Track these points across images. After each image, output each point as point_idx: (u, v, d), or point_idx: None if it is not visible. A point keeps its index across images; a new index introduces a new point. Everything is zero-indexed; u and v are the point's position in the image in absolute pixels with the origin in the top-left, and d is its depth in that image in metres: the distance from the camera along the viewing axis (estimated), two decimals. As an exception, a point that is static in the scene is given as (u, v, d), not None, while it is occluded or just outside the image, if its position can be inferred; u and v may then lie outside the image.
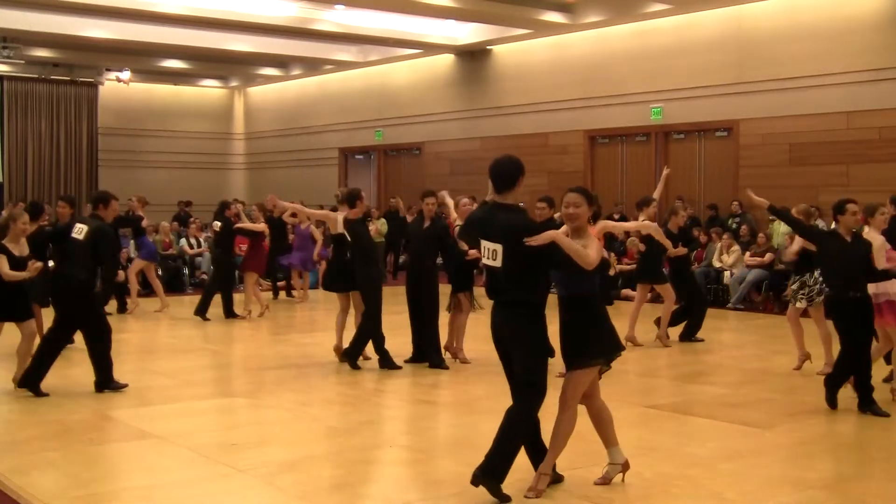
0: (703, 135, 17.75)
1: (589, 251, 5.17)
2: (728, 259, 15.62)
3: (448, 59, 22.07)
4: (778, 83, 16.18)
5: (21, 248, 8.33)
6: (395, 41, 20.67)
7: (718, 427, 7.20)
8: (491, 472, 5.14)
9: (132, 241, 15.37)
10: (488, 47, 20.99)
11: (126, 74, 25.32)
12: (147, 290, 15.06)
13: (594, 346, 5.41)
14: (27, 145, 25.29)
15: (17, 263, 8.16)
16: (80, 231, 8.22)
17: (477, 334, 12.78)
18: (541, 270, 5.26)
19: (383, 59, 22.80)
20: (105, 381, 8.22)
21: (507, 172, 5.26)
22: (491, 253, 5.20)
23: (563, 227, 5.44)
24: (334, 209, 10.19)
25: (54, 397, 8.22)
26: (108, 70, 25.61)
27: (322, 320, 13.68)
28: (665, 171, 11.47)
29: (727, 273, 15.50)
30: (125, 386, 8.25)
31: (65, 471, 6.00)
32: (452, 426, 7.42)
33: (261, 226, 13.96)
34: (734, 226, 16.27)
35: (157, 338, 12.15)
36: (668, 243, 10.35)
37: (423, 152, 22.81)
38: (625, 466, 5.59)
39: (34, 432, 7.00)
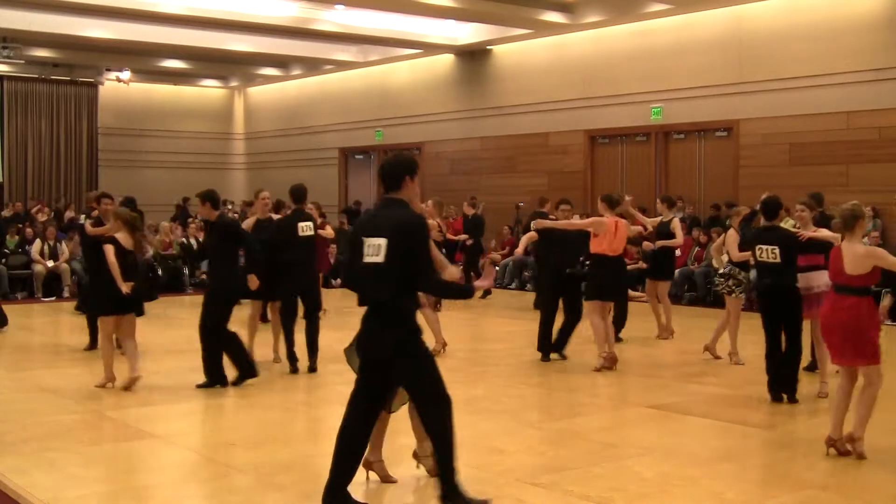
0: (703, 135, 17.75)
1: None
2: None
3: (448, 59, 22.07)
4: (778, 83, 16.18)
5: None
6: (395, 41, 20.67)
7: (718, 427, 7.20)
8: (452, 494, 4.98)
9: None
10: (488, 47, 20.98)
11: (126, 74, 25.31)
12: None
13: None
14: (27, 145, 25.26)
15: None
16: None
17: (472, 334, 12.78)
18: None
19: (383, 59, 22.80)
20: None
21: (393, 171, 5.03)
22: (374, 248, 4.86)
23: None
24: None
25: (54, 397, 8.23)
26: (108, 70, 25.59)
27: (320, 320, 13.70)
28: None
29: (727, 273, 15.49)
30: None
31: (65, 471, 6.00)
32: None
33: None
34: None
35: (156, 338, 12.13)
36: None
37: (423, 152, 22.80)
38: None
39: (34, 432, 7.00)
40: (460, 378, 9.12)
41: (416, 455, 5.84)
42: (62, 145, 25.78)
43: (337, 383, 9.04)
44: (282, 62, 24.52)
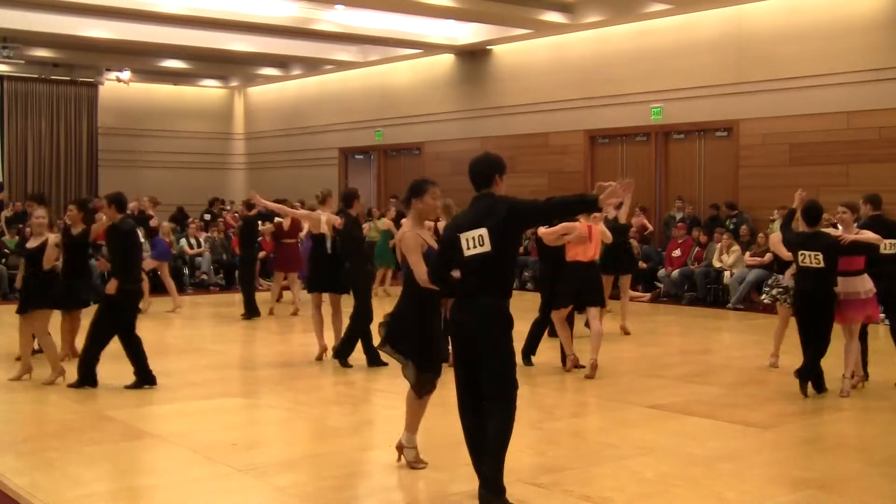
0: (703, 135, 17.74)
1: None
2: (728, 259, 15.63)
3: (448, 59, 22.06)
4: (778, 83, 16.17)
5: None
6: (395, 41, 20.66)
7: (718, 427, 7.20)
8: (498, 489, 5.07)
9: (145, 241, 15.43)
10: (488, 47, 20.98)
11: (126, 74, 25.30)
12: (160, 290, 15.23)
13: None
14: (27, 145, 25.27)
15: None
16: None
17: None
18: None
19: (383, 59, 22.79)
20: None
21: (480, 170, 5.18)
22: (476, 240, 5.03)
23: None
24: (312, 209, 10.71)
25: (54, 397, 8.23)
26: (108, 70, 25.59)
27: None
28: None
29: (727, 273, 15.51)
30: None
31: (65, 471, 6.00)
32: (452, 426, 7.39)
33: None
34: (731, 226, 16.28)
35: (156, 338, 12.14)
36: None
37: (423, 152, 22.81)
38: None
39: (34, 432, 7.00)
40: (460, 378, 9.11)
41: (400, 447, 6.01)
42: (62, 145, 25.78)
43: (336, 383, 9.05)
44: (282, 62, 24.51)
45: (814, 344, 8.07)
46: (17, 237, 17.48)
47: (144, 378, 8.53)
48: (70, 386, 8.43)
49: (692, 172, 17.97)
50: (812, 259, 7.95)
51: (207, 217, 22.15)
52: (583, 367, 9.29)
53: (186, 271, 18.44)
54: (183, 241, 18.69)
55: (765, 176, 16.23)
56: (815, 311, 8.04)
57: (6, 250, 17.15)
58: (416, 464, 5.92)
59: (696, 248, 16.25)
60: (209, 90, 28.60)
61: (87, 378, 8.47)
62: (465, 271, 5.13)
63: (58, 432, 6.99)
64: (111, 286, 8.37)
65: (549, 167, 19.78)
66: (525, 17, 18.00)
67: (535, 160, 20.07)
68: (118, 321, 8.49)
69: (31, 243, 8.82)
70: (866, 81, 15.12)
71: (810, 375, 8.12)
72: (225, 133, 28.89)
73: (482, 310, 5.06)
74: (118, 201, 8.68)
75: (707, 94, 17.25)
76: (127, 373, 8.62)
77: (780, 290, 9.57)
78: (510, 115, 20.66)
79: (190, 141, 27.91)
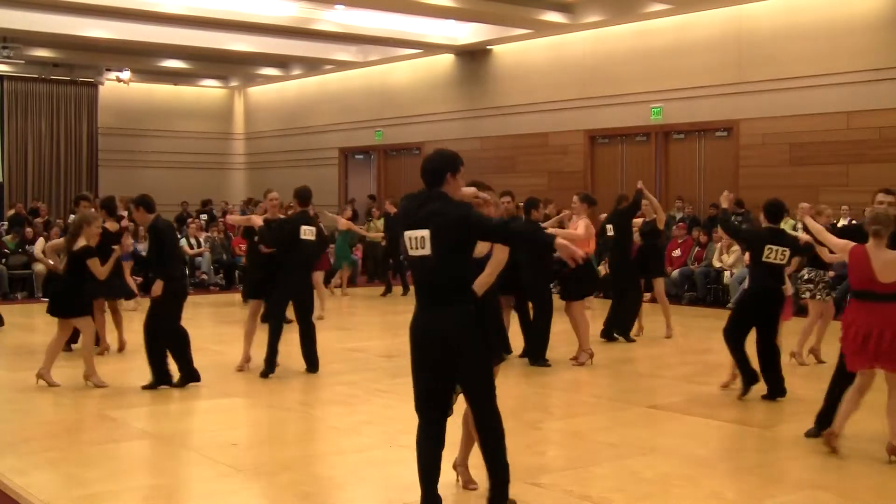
0: (703, 135, 17.74)
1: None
2: (728, 259, 15.63)
3: (448, 59, 22.07)
4: (778, 83, 16.18)
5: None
6: (395, 41, 20.67)
7: (718, 427, 7.20)
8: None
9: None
10: (488, 47, 20.98)
11: (126, 74, 25.31)
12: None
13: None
14: (27, 145, 25.28)
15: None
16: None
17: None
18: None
19: (383, 59, 22.80)
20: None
21: (432, 168, 4.81)
22: (419, 241, 4.70)
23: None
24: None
25: (54, 397, 8.23)
26: (108, 70, 25.60)
27: (320, 321, 13.71)
28: None
29: (727, 273, 15.51)
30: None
31: (65, 471, 6.00)
32: (452, 426, 7.40)
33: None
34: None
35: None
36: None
37: (423, 152, 22.78)
38: None
39: (34, 432, 7.00)
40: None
41: (455, 466, 5.68)
42: (62, 145, 25.78)
43: (336, 383, 9.04)
44: (282, 62, 24.52)
45: (769, 346, 8.02)
46: (17, 237, 17.49)
47: (188, 375, 8.56)
48: (144, 388, 8.40)
49: (692, 172, 17.97)
50: (779, 255, 7.98)
51: (205, 217, 22.16)
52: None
53: (186, 271, 18.41)
54: (183, 241, 18.66)
55: (765, 176, 16.23)
56: (772, 309, 8.06)
57: (6, 250, 17.15)
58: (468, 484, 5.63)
59: (696, 248, 16.26)
60: (209, 90, 28.60)
61: (162, 377, 8.47)
62: (413, 271, 4.90)
63: (58, 432, 6.99)
64: (157, 287, 8.37)
65: (548, 167, 19.79)
66: (525, 17, 18.00)
67: (535, 160, 20.08)
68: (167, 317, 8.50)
69: (78, 245, 8.60)
70: (866, 81, 15.13)
71: (780, 382, 8.09)
72: (225, 133, 28.90)
73: (452, 310, 4.69)
74: (146, 203, 8.70)
75: (707, 94, 17.25)
76: (128, 371, 8.62)
77: (824, 284, 9.55)
78: (510, 114, 20.67)
79: (190, 141, 27.92)
